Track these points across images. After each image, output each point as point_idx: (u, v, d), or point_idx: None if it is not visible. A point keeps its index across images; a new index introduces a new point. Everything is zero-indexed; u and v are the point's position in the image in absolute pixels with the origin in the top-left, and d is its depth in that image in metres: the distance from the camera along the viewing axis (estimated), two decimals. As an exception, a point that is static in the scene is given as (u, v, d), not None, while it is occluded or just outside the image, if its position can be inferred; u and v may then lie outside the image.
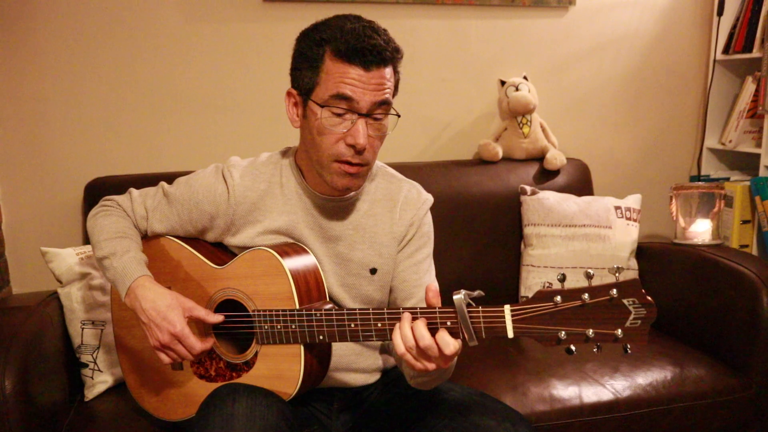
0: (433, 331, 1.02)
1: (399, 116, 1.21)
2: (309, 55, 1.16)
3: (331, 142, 1.16)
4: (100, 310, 1.60)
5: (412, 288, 1.32)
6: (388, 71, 1.16)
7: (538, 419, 1.50)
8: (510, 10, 2.25)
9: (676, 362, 1.68)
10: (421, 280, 1.32)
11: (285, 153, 1.33)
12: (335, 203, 1.28)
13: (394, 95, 1.21)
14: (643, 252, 2.07)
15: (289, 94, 1.24)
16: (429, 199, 1.36)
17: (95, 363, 1.59)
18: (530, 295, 2.18)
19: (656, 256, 2.04)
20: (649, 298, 0.95)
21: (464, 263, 2.03)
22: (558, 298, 0.97)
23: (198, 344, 1.18)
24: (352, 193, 1.29)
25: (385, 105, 1.17)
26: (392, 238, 1.31)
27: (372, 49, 1.12)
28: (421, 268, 1.33)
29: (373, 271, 1.30)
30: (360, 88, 1.13)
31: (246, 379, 1.21)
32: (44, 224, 1.97)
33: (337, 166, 1.17)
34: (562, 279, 0.97)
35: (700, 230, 2.07)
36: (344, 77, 1.13)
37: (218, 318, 1.21)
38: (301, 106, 1.21)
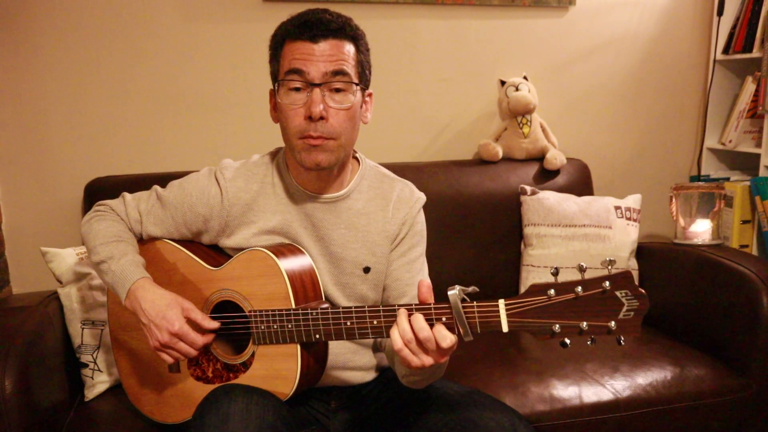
0: (429, 326, 1.02)
1: (358, 85, 1.21)
2: (273, 49, 1.23)
3: (294, 118, 1.18)
4: (100, 310, 1.61)
5: (404, 286, 1.32)
6: (342, 45, 1.18)
7: (538, 419, 1.50)
8: (510, 10, 2.25)
9: (676, 362, 1.68)
10: (414, 278, 1.32)
11: (275, 153, 1.34)
12: (327, 202, 1.28)
13: (361, 76, 1.22)
14: (643, 252, 2.07)
15: (270, 94, 1.27)
16: (421, 197, 1.36)
17: (95, 363, 1.59)
18: (530, 295, 2.15)
19: (656, 256, 2.04)
20: (641, 289, 0.95)
21: (464, 263, 2.03)
22: (552, 292, 0.97)
23: (200, 338, 1.18)
24: (344, 191, 1.29)
25: (340, 75, 1.17)
26: (385, 237, 1.31)
27: (317, 22, 1.17)
28: (414, 266, 1.33)
29: (367, 269, 1.30)
30: (310, 60, 1.16)
31: (243, 379, 1.21)
32: (44, 224, 1.97)
33: (302, 142, 1.19)
34: (556, 273, 0.98)
35: (700, 230, 2.07)
36: (294, 53, 1.17)
37: (214, 324, 1.21)
38: (274, 98, 1.25)
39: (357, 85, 1.20)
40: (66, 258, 1.62)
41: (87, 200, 1.86)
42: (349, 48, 1.19)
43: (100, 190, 1.81)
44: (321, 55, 1.16)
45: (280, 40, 1.21)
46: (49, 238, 1.94)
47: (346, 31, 1.19)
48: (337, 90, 1.18)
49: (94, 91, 1.96)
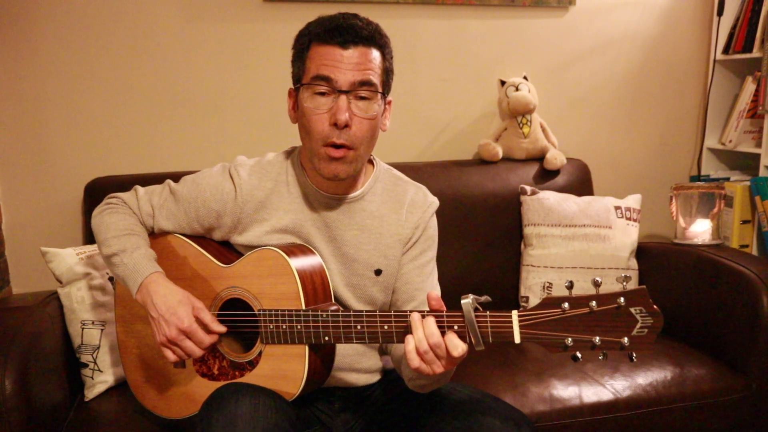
0: (441, 333, 1.02)
1: (383, 94, 1.21)
2: (298, 49, 1.22)
3: (318, 123, 1.17)
4: (100, 310, 1.61)
5: (414, 290, 1.32)
6: (370, 53, 1.18)
7: (538, 419, 1.50)
8: (510, 10, 2.25)
9: (676, 362, 1.69)
10: (424, 283, 1.32)
11: (290, 152, 1.34)
12: (341, 203, 1.28)
13: (384, 84, 1.22)
14: (643, 252, 2.07)
15: (289, 93, 1.27)
16: (435, 202, 1.36)
17: (95, 363, 1.58)
18: (530, 295, 2.17)
19: (656, 256, 2.04)
20: (656, 307, 0.95)
21: (464, 263, 2.03)
22: (566, 305, 0.97)
23: (207, 338, 1.18)
24: (358, 192, 1.29)
25: (367, 85, 1.17)
26: (398, 240, 1.31)
27: (348, 28, 1.16)
28: (425, 271, 1.33)
29: (378, 272, 1.30)
30: (338, 67, 1.15)
31: (249, 378, 1.21)
32: (44, 224, 1.97)
33: (324, 150, 1.18)
34: (570, 286, 0.98)
35: (700, 230, 2.07)
36: (323, 58, 1.16)
37: (222, 328, 1.20)
38: (295, 99, 1.24)
39: (381, 94, 1.20)
40: (66, 258, 1.62)
41: (87, 200, 1.86)
42: (377, 56, 1.19)
43: (100, 191, 1.81)
44: (349, 63, 1.15)
45: (306, 41, 1.20)
46: (49, 238, 1.93)
47: (376, 39, 1.19)
48: (362, 98, 1.18)
49: (94, 91, 1.96)
